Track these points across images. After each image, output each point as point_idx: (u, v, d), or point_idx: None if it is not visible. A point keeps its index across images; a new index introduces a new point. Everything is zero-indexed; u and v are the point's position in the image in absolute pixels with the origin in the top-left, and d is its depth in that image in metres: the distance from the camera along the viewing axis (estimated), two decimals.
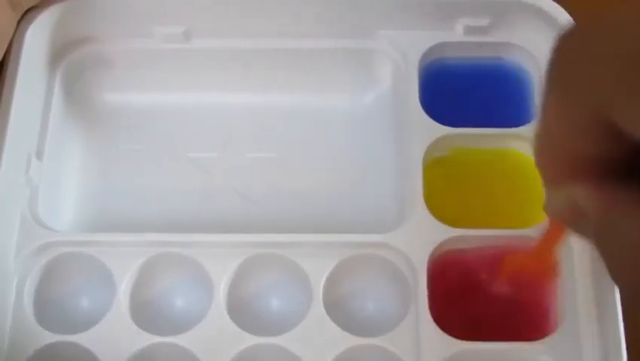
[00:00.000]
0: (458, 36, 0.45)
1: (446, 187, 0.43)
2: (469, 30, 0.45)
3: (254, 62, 0.47)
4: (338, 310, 0.39)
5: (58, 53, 0.46)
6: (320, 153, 0.46)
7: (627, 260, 0.19)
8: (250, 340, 0.38)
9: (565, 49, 0.20)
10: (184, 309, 0.41)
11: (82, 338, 0.38)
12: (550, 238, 0.33)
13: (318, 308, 0.39)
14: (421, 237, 0.40)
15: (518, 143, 0.43)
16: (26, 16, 0.44)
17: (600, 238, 0.21)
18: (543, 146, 0.22)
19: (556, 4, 0.44)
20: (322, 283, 0.39)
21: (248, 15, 0.46)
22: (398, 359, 0.38)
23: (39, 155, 0.43)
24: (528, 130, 0.42)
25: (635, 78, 0.17)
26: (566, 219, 0.23)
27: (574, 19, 0.42)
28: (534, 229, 0.39)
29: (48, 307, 0.40)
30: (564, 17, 0.43)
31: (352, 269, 0.40)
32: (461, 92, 0.46)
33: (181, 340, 0.38)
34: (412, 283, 0.39)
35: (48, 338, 0.38)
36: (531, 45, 0.45)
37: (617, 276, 0.20)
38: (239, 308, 0.40)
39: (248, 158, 0.46)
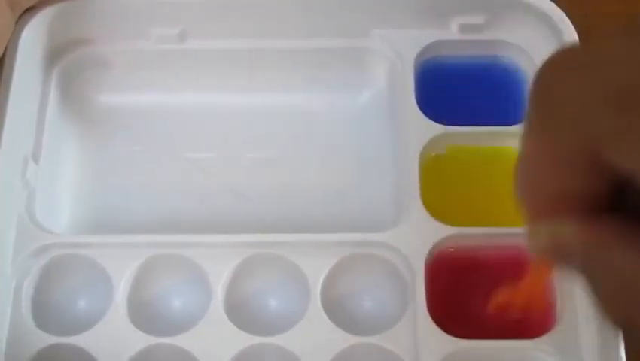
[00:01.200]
0: (454, 34, 0.45)
1: (442, 186, 0.43)
2: (464, 28, 0.45)
3: (250, 62, 0.47)
4: (336, 309, 0.39)
5: (54, 54, 0.46)
6: (316, 153, 0.46)
7: (615, 296, 0.19)
8: (248, 340, 0.38)
9: (548, 80, 0.19)
10: (182, 310, 0.41)
11: (80, 340, 0.38)
12: (538, 273, 0.33)
13: (316, 307, 0.39)
14: (418, 235, 0.40)
15: (514, 141, 0.43)
16: (22, 17, 0.44)
17: (587, 274, 0.20)
18: (524, 181, 0.21)
19: (550, 2, 0.44)
20: (320, 282, 0.39)
21: (243, 16, 0.46)
22: (397, 357, 0.38)
23: (35, 157, 0.43)
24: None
25: (625, 113, 0.17)
26: (551, 256, 0.22)
27: (573, 17, 0.42)
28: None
29: (46, 309, 0.40)
30: (558, 15, 0.43)
31: (349, 268, 0.40)
32: (456, 91, 0.46)
33: (180, 341, 0.38)
34: (410, 282, 0.39)
35: (46, 340, 0.38)
36: (526, 43, 0.45)
37: (607, 312, 0.19)
38: (237, 308, 0.40)
39: (245, 158, 0.46)
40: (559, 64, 0.19)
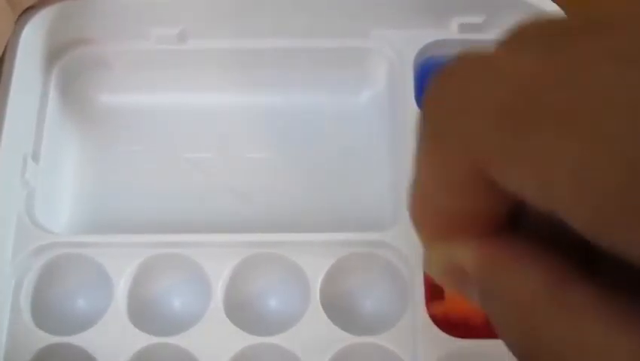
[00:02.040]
0: (453, 34, 0.45)
1: None
2: (464, 28, 0.45)
3: (249, 62, 0.47)
4: (336, 308, 0.39)
5: (54, 54, 0.46)
6: (316, 152, 0.46)
7: (514, 325, 0.17)
8: (248, 339, 0.38)
9: (437, 96, 0.18)
10: (182, 309, 0.41)
11: (79, 340, 0.38)
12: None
13: (315, 307, 0.39)
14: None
15: None
16: (22, 16, 0.44)
17: (484, 300, 0.18)
18: (417, 202, 0.19)
19: (549, 1, 0.44)
20: (320, 281, 0.39)
21: (242, 16, 0.46)
22: (396, 356, 0.38)
23: (35, 157, 0.43)
24: None
25: (509, 132, 0.16)
26: (448, 282, 0.20)
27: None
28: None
29: (46, 308, 0.40)
30: (558, 14, 0.43)
31: (349, 268, 0.40)
32: None
33: (179, 340, 0.38)
34: (409, 281, 0.39)
35: (46, 339, 0.38)
36: None
37: (508, 344, 0.18)
38: (236, 308, 0.40)
39: (245, 158, 0.46)
40: (453, 74, 0.18)
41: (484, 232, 0.18)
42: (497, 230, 0.18)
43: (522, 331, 0.17)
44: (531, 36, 0.17)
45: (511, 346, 0.18)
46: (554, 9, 0.44)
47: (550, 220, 0.17)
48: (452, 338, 0.37)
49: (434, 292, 0.39)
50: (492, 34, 0.45)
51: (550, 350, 0.17)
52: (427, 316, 0.38)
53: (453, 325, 0.38)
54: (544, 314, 0.17)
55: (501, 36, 0.18)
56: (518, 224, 0.18)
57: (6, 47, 0.43)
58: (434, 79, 0.18)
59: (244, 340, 0.38)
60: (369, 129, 0.46)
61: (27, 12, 0.44)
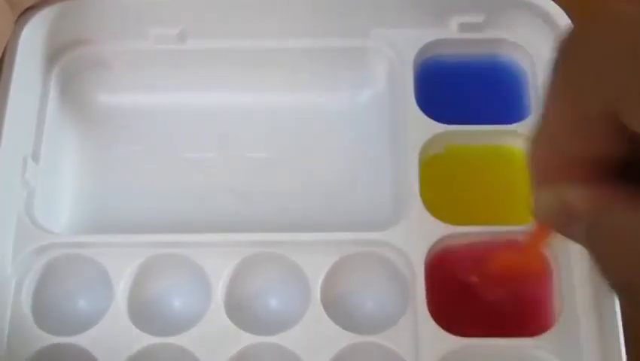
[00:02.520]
0: (453, 33, 0.45)
1: (442, 184, 0.43)
2: (464, 27, 0.45)
3: (248, 62, 0.47)
4: (336, 308, 0.39)
5: (53, 54, 0.46)
6: (316, 152, 0.46)
7: (620, 259, 0.19)
8: (249, 339, 0.38)
9: (571, 47, 0.19)
10: (183, 309, 0.41)
11: (80, 340, 0.38)
12: (536, 239, 0.33)
13: (316, 307, 0.39)
14: (418, 234, 0.40)
15: (513, 139, 0.43)
16: (22, 17, 0.44)
17: (593, 239, 0.20)
18: (541, 144, 0.21)
19: (550, 1, 0.44)
20: (320, 281, 0.39)
21: (242, 15, 0.46)
22: (397, 355, 0.38)
23: (35, 157, 0.43)
24: (523, 127, 0.42)
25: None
26: (556, 222, 0.22)
27: (573, 16, 0.42)
28: (530, 225, 0.39)
29: (46, 309, 0.40)
30: (558, 14, 0.43)
31: (349, 267, 0.40)
32: (456, 90, 0.46)
33: (180, 340, 0.38)
34: (410, 281, 0.39)
35: (47, 339, 0.38)
36: (525, 42, 0.45)
37: (609, 276, 0.19)
38: (237, 308, 0.40)
39: (245, 158, 0.46)
40: (588, 23, 0.19)
41: (600, 175, 0.19)
42: (611, 175, 0.19)
43: (627, 265, 0.18)
44: None
45: (612, 279, 0.19)
46: (555, 9, 0.44)
47: None
48: (454, 337, 0.37)
49: (433, 285, 0.39)
50: (491, 33, 0.46)
51: None
52: (428, 314, 0.38)
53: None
54: None
55: None
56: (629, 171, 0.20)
57: (5, 47, 0.43)
58: (569, 29, 0.20)
59: (244, 339, 0.38)
60: (369, 128, 0.46)
61: (26, 12, 0.44)
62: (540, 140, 0.21)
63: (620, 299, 0.35)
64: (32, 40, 0.44)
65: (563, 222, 0.21)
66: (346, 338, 0.38)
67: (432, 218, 0.40)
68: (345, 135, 0.46)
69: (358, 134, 0.46)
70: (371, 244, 0.40)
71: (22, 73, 0.43)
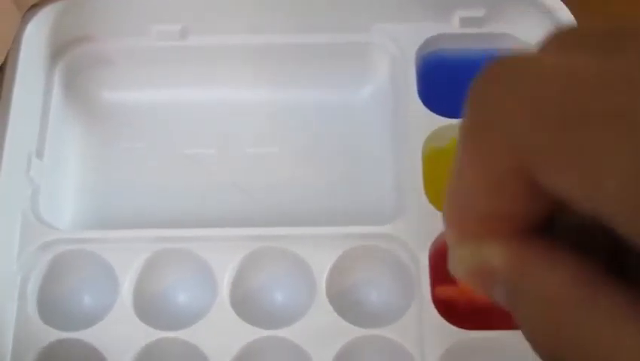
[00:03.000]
0: (455, 28, 0.46)
1: (445, 177, 0.43)
2: (465, 22, 0.45)
3: (251, 58, 0.47)
4: (341, 302, 0.39)
5: (57, 52, 0.46)
6: (319, 147, 0.46)
7: (541, 321, 0.17)
8: (254, 333, 0.38)
9: (482, 93, 0.17)
10: (188, 304, 0.41)
11: (86, 335, 0.38)
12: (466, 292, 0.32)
13: (321, 300, 0.39)
14: (422, 227, 0.40)
15: None
16: (25, 14, 0.44)
17: (512, 300, 0.18)
18: (453, 198, 0.19)
19: None
20: (325, 275, 0.39)
21: (244, 12, 0.46)
22: (403, 348, 0.38)
23: (39, 154, 0.43)
24: None
25: (558, 131, 0.15)
26: (474, 282, 0.20)
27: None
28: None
29: (52, 304, 0.40)
30: (559, 7, 0.44)
31: (354, 261, 0.40)
32: (458, 83, 0.45)
33: (186, 335, 0.38)
34: (414, 273, 0.39)
35: (52, 335, 0.39)
36: (526, 36, 0.45)
37: (534, 346, 0.18)
38: (242, 302, 0.40)
39: (248, 153, 0.46)
40: (499, 72, 0.17)
41: (516, 233, 0.18)
42: (530, 231, 0.18)
43: (551, 330, 0.17)
44: (581, 38, 0.17)
45: (537, 346, 0.18)
46: (556, 3, 0.44)
47: (581, 225, 0.17)
48: (459, 330, 0.37)
49: (438, 278, 0.39)
50: (493, 27, 0.46)
51: (579, 350, 0.17)
52: (433, 308, 0.38)
53: (459, 312, 0.38)
54: (575, 314, 0.17)
55: (542, 40, 0.18)
56: (548, 228, 0.18)
57: None
58: (479, 77, 0.18)
59: (250, 333, 0.38)
60: (371, 123, 0.46)
61: (30, 10, 0.44)
62: (451, 193, 0.19)
63: None
64: (35, 38, 0.44)
65: (481, 283, 0.19)
66: (352, 332, 0.38)
67: (436, 211, 0.40)
68: (348, 130, 0.46)
69: (360, 129, 0.46)
70: (375, 238, 0.40)
71: (26, 70, 0.43)
